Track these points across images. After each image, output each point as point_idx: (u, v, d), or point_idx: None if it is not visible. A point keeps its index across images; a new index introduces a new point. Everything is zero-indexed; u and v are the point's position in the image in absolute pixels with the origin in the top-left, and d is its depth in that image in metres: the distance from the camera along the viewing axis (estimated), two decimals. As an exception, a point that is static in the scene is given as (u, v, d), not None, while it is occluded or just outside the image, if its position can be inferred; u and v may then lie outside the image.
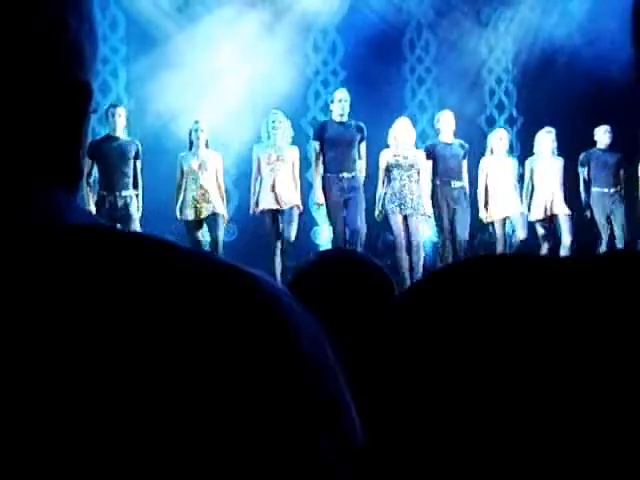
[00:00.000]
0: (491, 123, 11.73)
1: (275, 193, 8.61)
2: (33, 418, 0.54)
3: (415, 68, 11.63)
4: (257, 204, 8.69)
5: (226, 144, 9.72)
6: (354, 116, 8.99)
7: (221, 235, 8.64)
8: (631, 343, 0.61)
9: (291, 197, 8.64)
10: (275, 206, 8.60)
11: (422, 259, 8.80)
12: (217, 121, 9.45)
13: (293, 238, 8.53)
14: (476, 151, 9.67)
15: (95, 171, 8.38)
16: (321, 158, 8.77)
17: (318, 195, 8.74)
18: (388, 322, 0.71)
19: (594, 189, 9.61)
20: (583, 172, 9.67)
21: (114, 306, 0.57)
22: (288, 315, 0.61)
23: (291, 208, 8.61)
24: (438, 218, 9.11)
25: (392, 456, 0.66)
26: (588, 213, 9.63)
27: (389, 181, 8.87)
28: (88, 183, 8.34)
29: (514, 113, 11.95)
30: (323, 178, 8.71)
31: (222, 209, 8.66)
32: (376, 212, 8.90)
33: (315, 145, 8.86)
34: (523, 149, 10.59)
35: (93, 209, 8.22)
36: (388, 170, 8.86)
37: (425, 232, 9.58)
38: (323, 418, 0.59)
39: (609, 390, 0.61)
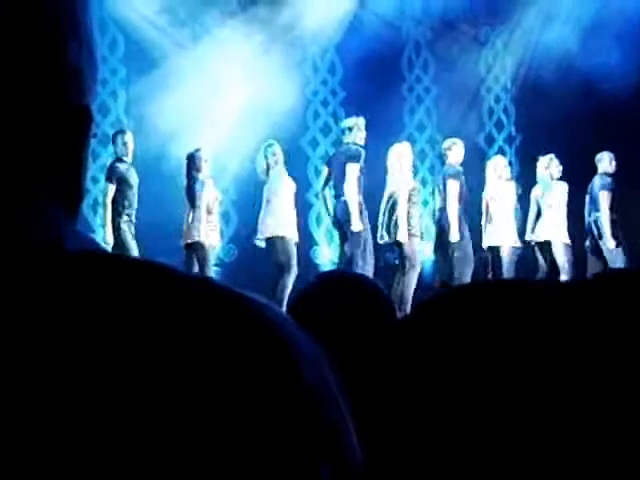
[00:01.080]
0: (490, 142, 11.75)
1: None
2: (33, 445, 0.54)
3: (414, 87, 11.66)
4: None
5: (225, 164, 9.73)
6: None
7: (208, 265, 8.68)
8: (635, 367, 0.61)
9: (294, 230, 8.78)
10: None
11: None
12: (216, 141, 9.47)
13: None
14: (475, 170, 9.68)
15: (111, 194, 8.43)
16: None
17: (357, 222, 8.61)
18: (390, 343, 0.71)
19: (596, 215, 9.59)
20: (588, 197, 9.64)
21: (115, 334, 0.57)
22: (291, 343, 0.60)
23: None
24: (460, 240, 9.08)
25: (393, 477, 0.65)
26: (587, 241, 9.60)
27: (412, 205, 8.86)
28: (106, 205, 8.40)
29: (513, 131, 11.97)
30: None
31: (207, 237, 8.76)
32: (403, 234, 8.81)
33: (359, 168, 8.73)
34: (522, 167, 10.60)
35: (110, 232, 8.27)
36: (410, 194, 8.86)
37: (425, 251, 9.60)
38: (324, 445, 0.59)
39: (612, 409, 0.61)
